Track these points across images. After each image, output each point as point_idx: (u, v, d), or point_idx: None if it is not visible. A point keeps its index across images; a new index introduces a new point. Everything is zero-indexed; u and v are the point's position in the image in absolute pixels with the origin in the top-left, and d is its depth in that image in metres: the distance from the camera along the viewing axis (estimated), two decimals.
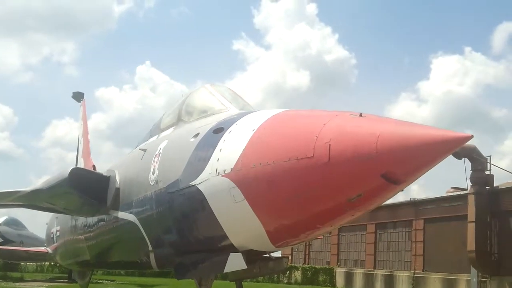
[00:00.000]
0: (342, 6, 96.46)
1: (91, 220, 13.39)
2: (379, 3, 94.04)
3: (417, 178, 6.31)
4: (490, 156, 32.10)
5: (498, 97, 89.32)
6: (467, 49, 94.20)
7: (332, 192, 6.47)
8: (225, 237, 7.91)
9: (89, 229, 13.60)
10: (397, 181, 6.12)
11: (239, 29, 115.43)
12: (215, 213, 7.79)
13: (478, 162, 31.25)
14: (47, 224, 21.27)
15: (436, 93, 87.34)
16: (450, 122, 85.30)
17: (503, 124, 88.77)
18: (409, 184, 6.45)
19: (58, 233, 18.26)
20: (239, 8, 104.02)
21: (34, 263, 55.47)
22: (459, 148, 6.24)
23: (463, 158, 31.07)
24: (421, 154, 5.92)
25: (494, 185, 31.60)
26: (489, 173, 31.72)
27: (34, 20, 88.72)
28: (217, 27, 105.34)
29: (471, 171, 31.50)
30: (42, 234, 25.79)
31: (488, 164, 31.81)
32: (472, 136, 5.86)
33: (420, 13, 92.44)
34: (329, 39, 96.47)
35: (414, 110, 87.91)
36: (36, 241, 44.14)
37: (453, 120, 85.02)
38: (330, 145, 6.30)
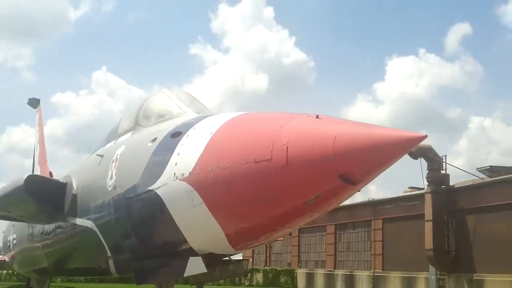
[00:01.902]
0: (298, 10, 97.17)
1: (48, 227, 13.21)
2: (334, 7, 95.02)
3: (374, 178, 6.41)
4: (445, 156, 32.63)
5: (453, 97, 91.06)
6: (422, 50, 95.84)
7: (290, 194, 6.51)
8: (184, 241, 7.88)
9: (47, 236, 13.42)
10: (354, 182, 6.20)
11: (196, 33, 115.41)
12: (173, 217, 7.76)
13: (434, 161, 31.71)
14: (3, 232, 20.96)
15: (391, 94, 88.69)
16: (407, 123, 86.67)
17: (458, 124, 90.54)
18: (366, 185, 6.53)
19: (14, 241, 17.99)
20: (197, 13, 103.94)
21: None
22: (414, 147, 6.36)
23: (419, 158, 31.48)
24: (377, 155, 6.00)
25: (450, 184, 32.11)
26: (445, 173, 32.21)
27: None
28: (174, 32, 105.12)
29: (427, 171, 31.93)
30: None
31: (444, 164, 32.31)
32: (426, 136, 5.97)
33: (374, 15, 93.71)
34: (287, 42, 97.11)
35: (371, 111, 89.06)
36: None
37: (409, 121, 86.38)
38: (287, 147, 6.34)
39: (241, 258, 10.43)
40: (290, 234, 42.60)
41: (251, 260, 53.39)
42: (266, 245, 43.43)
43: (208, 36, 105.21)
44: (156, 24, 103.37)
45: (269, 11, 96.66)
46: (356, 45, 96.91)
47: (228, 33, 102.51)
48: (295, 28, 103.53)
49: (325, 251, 43.49)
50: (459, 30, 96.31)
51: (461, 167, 35.54)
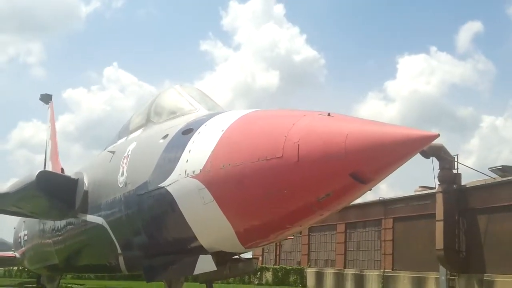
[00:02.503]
0: (309, 7, 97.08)
1: (59, 223, 13.23)
2: (345, 4, 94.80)
3: (385, 177, 6.36)
4: (457, 155, 32.55)
5: (464, 96, 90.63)
6: (433, 48, 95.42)
7: (301, 192, 6.48)
8: (194, 238, 7.88)
9: (57, 232, 13.45)
10: (365, 180, 6.16)
11: (207, 30, 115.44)
12: (184, 214, 7.76)
13: (446, 160, 31.59)
14: (14, 228, 21.00)
15: (403, 92, 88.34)
16: (417, 121, 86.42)
17: (469, 123, 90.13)
18: (377, 183, 6.50)
19: (26, 237, 18.04)
20: (207, 10, 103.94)
21: (2, 268, 54.69)
22: (426, 146, 6.31)
23: (430, 157, 31.37)
24: (388, 153, 5.97)
25: (462, 184, 31.97)
26: (456, 172, 32.09)
27: None
28: (185, 28, 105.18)
29: (439, 170, 31.83)
30: (9, 239, 25.49)
31: (456, 163, 32.19)
32: (438, 135, 5.93)
33: (385, 13, 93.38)
34: (298, 39, 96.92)
35: (382, 109, 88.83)
36: (3, 245, 43.43)
37: (420, 119, 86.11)
38: (299, 145, 6.32)
39: (251, 257, 10.40)
40: (300, 232, 42.56)
41: (260, 258, 53.34)
42: (276, 243, 43.39)
43: (218, 33, 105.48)
44: (166, 20, 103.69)
45: (279, 8, 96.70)
46: (367, 43, 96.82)
47: (238, 30, 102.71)
48: (306, 25, 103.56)
49: (335, 250, 43.46)
50: (471, 28, 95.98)
51: (472, 167, 35.38)
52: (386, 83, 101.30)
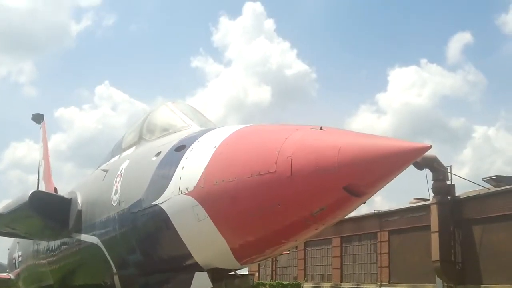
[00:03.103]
0: (299, 21, 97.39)
1: (53, 243, 13.18)
2: (334, 18, 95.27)
3: (379, 190, 6.36)
4: (450, 166, 32.59)
5: (456, 107, 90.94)
6: (423, 60, 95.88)
7: (295, 207, 6.46)
8: (189, 256, 7.84)
9: (52, 253, 13.38)
10: (359, 194, 6.16)
11: (197, 46, 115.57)
12: (178, 232, 7.73)
13: (439, 172, 31.64)
14: (8, 249, 20.90)
15: (394, 104, 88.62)
16: (410, 133, 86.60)
17: (461, 134, 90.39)
18: (371, 196, 6.50)
19: (20, 258, 17.96)
20: (198, 26, 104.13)
21: None
22: (419, 158, 6.32)
23: (424, 169, 31.42)
24: (382, 166, 5.97)
25: (456, 195, 31.99)
26: (450, 183, 32.13)
27: None
28: (176, 45, 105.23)
29: (432, 181, 31.86)
30: (4, 260, 25.32)
31: (449, 174, 32.23)
32: (430, 146, 5.94)
33: (375, 26, 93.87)
34: (289, 54, 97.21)
35: (374, 122, 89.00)
36: None
37: (412, 131, 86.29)
38: (292, 159, 6.31)
39: (247, 273, 10.36)
40: (296, 247, 42.44)
41: (257, 274, 53.12)
42: (271, 259, 43.27)
43: (209, 49, 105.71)
44: (157, 38, 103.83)
45: (269, 23, 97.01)
46: (358, 56, 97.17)
47: (229, 46, 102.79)
48: (297, 40, 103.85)
49: (331, 264, 43.31)
50: (460, 40, 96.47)
51: (466, 177, 35.41)
52: (378, 96, 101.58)
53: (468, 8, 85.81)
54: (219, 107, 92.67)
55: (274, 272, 52.48)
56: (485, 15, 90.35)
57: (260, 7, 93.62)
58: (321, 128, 6.51)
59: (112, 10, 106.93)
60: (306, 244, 44.48)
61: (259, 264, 50.86)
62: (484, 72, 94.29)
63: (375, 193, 6.45)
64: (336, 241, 42.35)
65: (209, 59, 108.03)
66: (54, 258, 13.27)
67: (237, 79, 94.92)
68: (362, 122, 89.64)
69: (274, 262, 51.59)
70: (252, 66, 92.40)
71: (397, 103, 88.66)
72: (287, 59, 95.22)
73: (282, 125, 7.40)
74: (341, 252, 42.19)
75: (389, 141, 6.08)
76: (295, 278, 48.03)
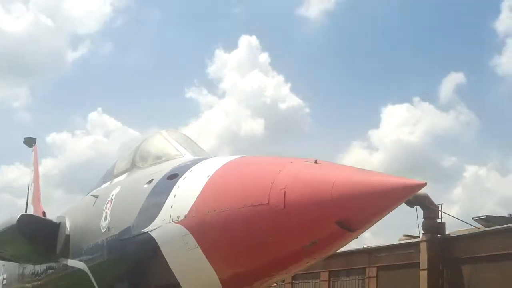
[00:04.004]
0: (293, 56, 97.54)
1: (40, 267, 13.05)
2: (328, 54, 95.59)
3: (372, 225, 6.34)
4: (441, 204, 32.51)
5: (447, 145, 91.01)
6: (416, 99, 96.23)
7: (287, 239, 6.42)
8: (177, 285, 7.77)
9: (37, 277, 13.24)
10: (352, 228, 6.13)
11: (192, 78, 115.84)
12: (167, 260, 7.66)
13: (430, 210, 31.58)
14: None
15: (386, 141, 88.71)
16: (401, 170, 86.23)
17: (453, 172, 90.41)
18: (364, 231, 6.47)
19: (4, 281, 17.72)
20: (193, 57, 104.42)
21: None
22: (412, 195, 6.30)
23: (415, 206, 31.40)
24: (376, 201, 5.95)
25: (446, 233, 31.96)
26: (440, 221, 32.08)
27: None
28: (171, 76, 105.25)
29: (423, 219, 31.80)
30: None
31: (440, 212, 32.20)
32: (425, 184, 5.93)
33: (369, 63, 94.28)
34: (283, 88, 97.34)
35: (366, 158, 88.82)
36: None
37: (404, 168, 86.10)
38: (285, 191, 6.29)
39: None
40: (283, 280, 42.16)
41: None
42: None
43: (204, 81, 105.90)
44: (152, 68, 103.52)
45: (264, 57, 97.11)
46: (351, 92, 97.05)
47: (224, 78, 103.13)
48: (290, 74, 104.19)
49: None
50: (453, 80, 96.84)
51: (456, 216, 35.36)
52: (370, 132, 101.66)
53: (462, 48, 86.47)
54: (212, 138, 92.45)
55: None
56: (479, 56, 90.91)
57: (256, 40, 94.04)
58: (315, 162, 6.51)
59: (108, 39, 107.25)
60: (294, 277, 44.08)
61: None
62: (477, 113, 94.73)
63: (368, 228, 6.43)
64: (324, 275, 42.02)
65: (203, 90, 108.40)
66: (40, 282, 13.12)
67: (230, 111, 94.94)
68: (354, 157, 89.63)
69: None
70: (246, 98, 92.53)
71: (389, 140, 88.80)
72: (281, 92, 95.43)
73: (276, 157, 7.40)
74: (329, 287, 41.87)
75: (384, 177, 6.07)
76: None
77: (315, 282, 43.29)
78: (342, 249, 7.24)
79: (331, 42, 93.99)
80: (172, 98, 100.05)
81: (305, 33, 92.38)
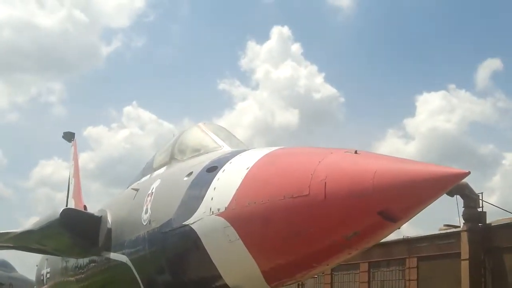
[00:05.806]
0: (326, 46, 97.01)
1: (82, 261, 13.21)
2: (361, 42, 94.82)
3: (415, 215, 6.23)
4: (482, 193, 32.09)
5: (485, 133, 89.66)
6: (451, 86, 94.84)
7: (328, 230, 6.38)
8: (219, 277, 7.78)
9: (80, 270, 13.42)
10: (394, 219, 6.05)
11: (224, 70, 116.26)
12: (209, 253, 7.68)
13: (470, 199, 31.19)
14: (37, 266, 21.01)
15: (422, 129, 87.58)
16: (437, 159, 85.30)
17: (490, 161, 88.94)
18: (406, 222, 6.38)
19: (48, 275, 18.02)
20: (225, 50, 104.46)
21: None
22: (455, 184, 6.20)
23: (455, 195, 31.03)
24: (418, 191, 5.86)
25: (487, 222, 31.53)
26: (481, 210, 31.66)
27: (21, 59, 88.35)
28: (204, 68, 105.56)
29: (463, 208, 31.43)
30: (32, 276, 25.44)
31: (480, 201, 31.77)
32: (469, 173, 5.82)
33: (403, 50, 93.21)
34: (316, 78, 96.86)
35: (401, 147, 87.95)
36: (26, 283, 43.34)
37: (440, 157, 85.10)
38: (325, 182, 6.24)
39: None
40: (323, 271, 42.10)
41: None
42: (298, 283, 42.94)
43: (236, 73, 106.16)
44: (184, 61, 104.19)
45: (296, 47, 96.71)
46: (386, 81, 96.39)
47: (256, 70, 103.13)
48: (324, 63, 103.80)
49: None
50: (490, 66, 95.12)
51: (496, 204, 34.82)
52: (405, 121, 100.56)
53: (498, 34, 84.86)
54: (246, 129, 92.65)
55: None
56: None
57: (288, 31, 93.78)
58: (355, 152, 6.43)
59: (141, 33, 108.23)
60: (333, 268, 44.01)
61: None
62: None
63: (410, 218, 6.29)
64: (364, 266, 41.82)
65: (236, 81, 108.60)
66: (83, 275, 13.30)
67: (264, 102, 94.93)
68: (389, 147, 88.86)
69: (300, 286, 51.19)
70: (279, 89, 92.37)
71: (425, 128, 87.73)
72: (314, 82, 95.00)
73: (315, 148, 7.36)
74: (369, 278, 41.62)
75: (426, 166, 5.97)
76: None
77: (355, 273, 43.08)
78: (381, 240, 7.16)
79: (364, 31, 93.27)
80: (205, 90, 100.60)
81: (337, 22, 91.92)
